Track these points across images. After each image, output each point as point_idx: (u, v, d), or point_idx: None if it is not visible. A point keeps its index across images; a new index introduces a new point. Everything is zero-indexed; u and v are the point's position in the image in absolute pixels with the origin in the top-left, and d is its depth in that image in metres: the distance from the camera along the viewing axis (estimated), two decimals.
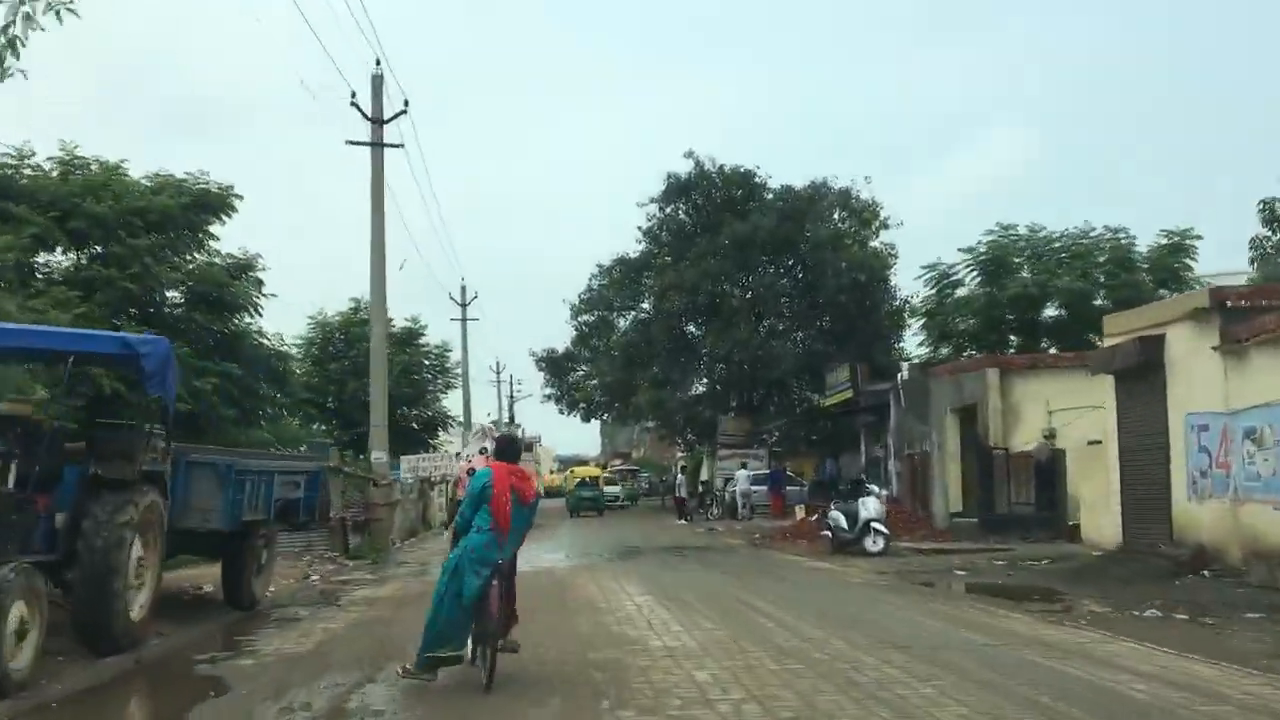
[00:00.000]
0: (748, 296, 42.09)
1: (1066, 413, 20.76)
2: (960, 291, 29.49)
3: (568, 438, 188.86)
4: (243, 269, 22.47)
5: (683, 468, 51.98)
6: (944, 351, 29.91)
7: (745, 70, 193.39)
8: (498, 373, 76.03)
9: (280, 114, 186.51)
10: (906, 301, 42.80)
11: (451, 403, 47.23)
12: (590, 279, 49.84)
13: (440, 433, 45.24)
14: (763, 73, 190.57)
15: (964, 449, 24.51)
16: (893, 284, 42.83)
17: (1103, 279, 28.10)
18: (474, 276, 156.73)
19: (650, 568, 18.18)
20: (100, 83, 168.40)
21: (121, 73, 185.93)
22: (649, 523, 37.19)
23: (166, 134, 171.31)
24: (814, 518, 23.85)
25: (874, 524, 18.34)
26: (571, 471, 57.98)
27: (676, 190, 45.25)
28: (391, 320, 43.12)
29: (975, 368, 23.59)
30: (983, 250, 28.45)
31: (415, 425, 44.10)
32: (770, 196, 43.76)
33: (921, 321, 29.94)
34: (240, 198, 21.89)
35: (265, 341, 23.13)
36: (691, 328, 45.53)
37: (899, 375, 29.66)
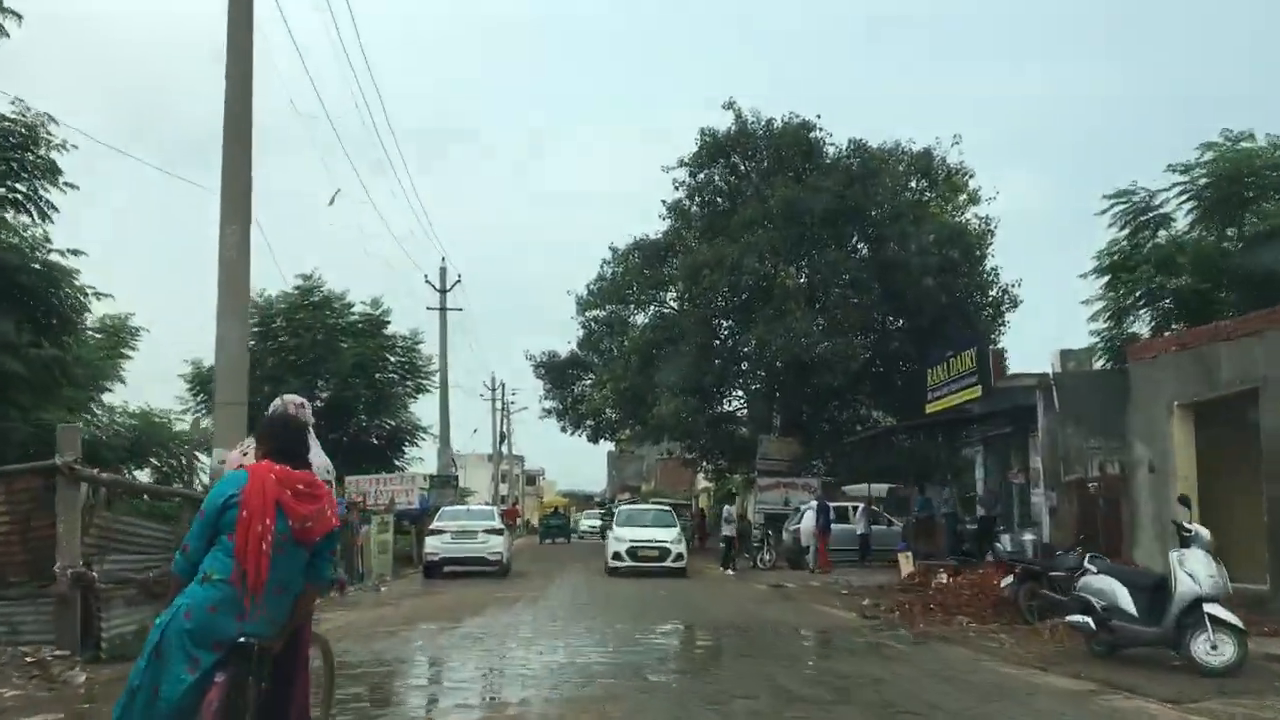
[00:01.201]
0: (802, 280, 32.61)
1: None
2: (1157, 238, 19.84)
3: (570, 465, 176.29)
4: None
5: (730, 494, 42.45)
6: (1136, 326, 20.25)
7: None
8: (492, 387, 65.53)
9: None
10: (1007, 290, 33.47)
11: (424, 411, 37.85)
12: (602, 266, 40.60)
13: (408, 448, 35.86)
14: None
15: (1215, 465, 14.96)
16: (990, 266, 33.47)
17: None
18: (459, 264, 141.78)
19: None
20: None
21: None
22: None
23: None
24: (1003, 580, 13.71)
25: (1209, 607, 8.66)
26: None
27: (712, 151, 35.93)
28: (347, 300, 34.15)
29: (1252, 328, 14.06)
30: (1202, 172, 18.76)
31: (376, 439, 34.68)
32: (833, 153, 34.50)
33: (1104, 281, 20.25)
34: None
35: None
36: (729, 322, 36.00)
37: (1050, 367, 20.18)
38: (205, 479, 21.81)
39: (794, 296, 31.73)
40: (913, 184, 35.19)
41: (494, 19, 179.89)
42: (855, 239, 34.00)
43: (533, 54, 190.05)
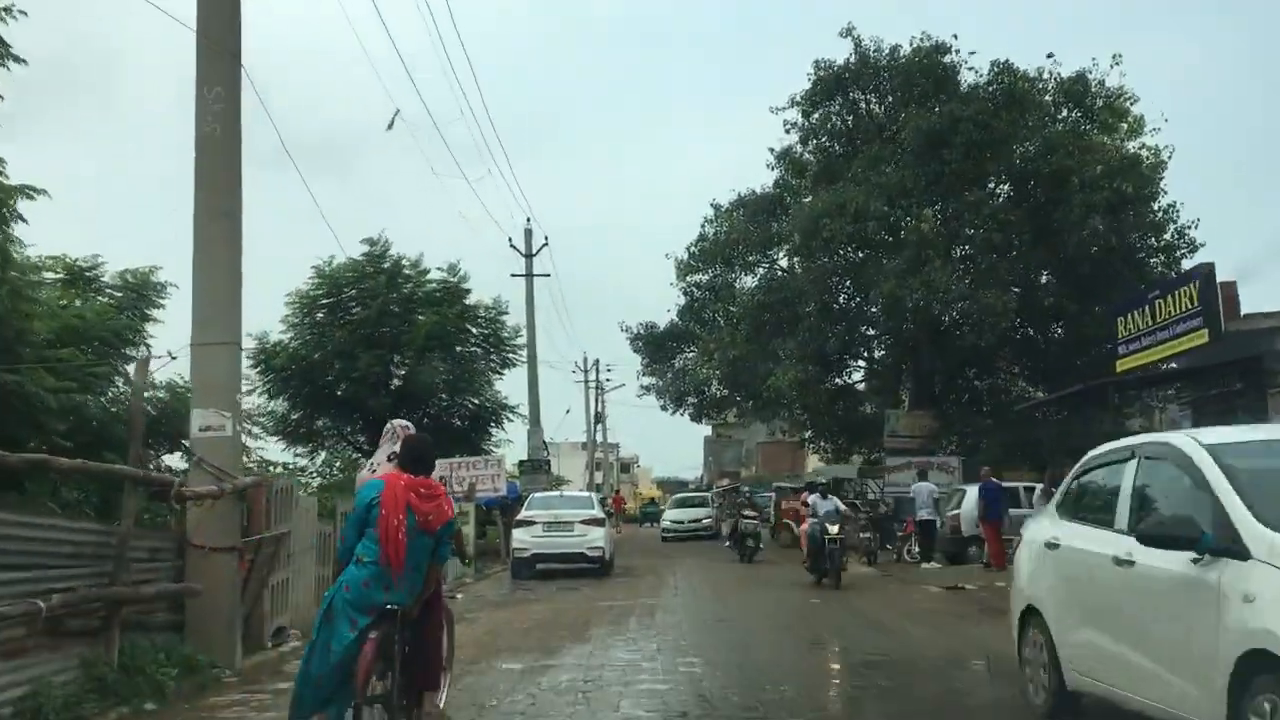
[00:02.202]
0: (939, 224, 27.98)
1: None
2: None
3: (665, 451, 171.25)
4: None
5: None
6: None
7: None
8: (584, 367, 61.65)
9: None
10: (1184, 232, 28.44)
11: (512, 388, 34.21)
12: (703, 225, 36.49)
13: (495, 430, 32.23)
14: None
15: None
16: (1164, 204, 28.44)
17: None
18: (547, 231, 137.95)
19: None
20: None
21: None
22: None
23: None
24: None
25: None
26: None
27: (829, 87, 31.45)
28: (422, 268, 30.66)
29: None
30: None
31: (459, 421, 31.16)
32: (972, 79, 29.81)
33: None
34: None
35: None
36: (851, 282, 31.57)
37: None
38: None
39: (931, 244, 27.16)
40: (1063, 114, 30.25)
41: None
42: (1002, 176, 29.26)
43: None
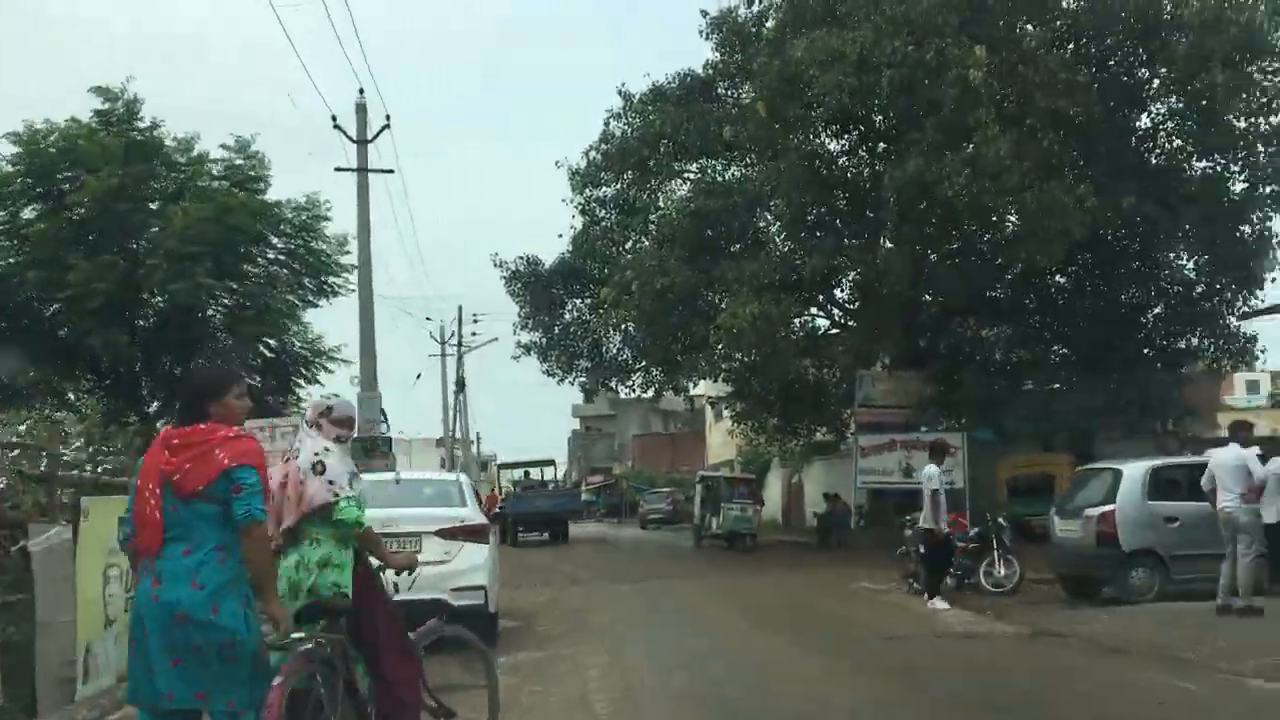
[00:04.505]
0: (992, 73, 18.41)
1: None
2: None
3: (533, 448, 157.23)
4: None
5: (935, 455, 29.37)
6: None
7: None
8: (442, 324, 48.42)
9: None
10: None
11: (333, 324, 23.44)
12: (608, 122, 26.53)
13: (304, 383, 21.52)
14: None
15: None
16: None
17: None
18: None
19: None
20: None
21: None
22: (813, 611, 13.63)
23: None
24: None
25: None
26: None
27: None
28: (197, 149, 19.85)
29: None
30: None
31: (252, 368, 20.31)
32: None
33: None
34: None
35: None
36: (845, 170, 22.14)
37: None
38: None
39: (981, 101, 17.78)
40: None
41: None
42: (1067, 4, 20.31)
43: None
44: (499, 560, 11.08)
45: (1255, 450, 10.63)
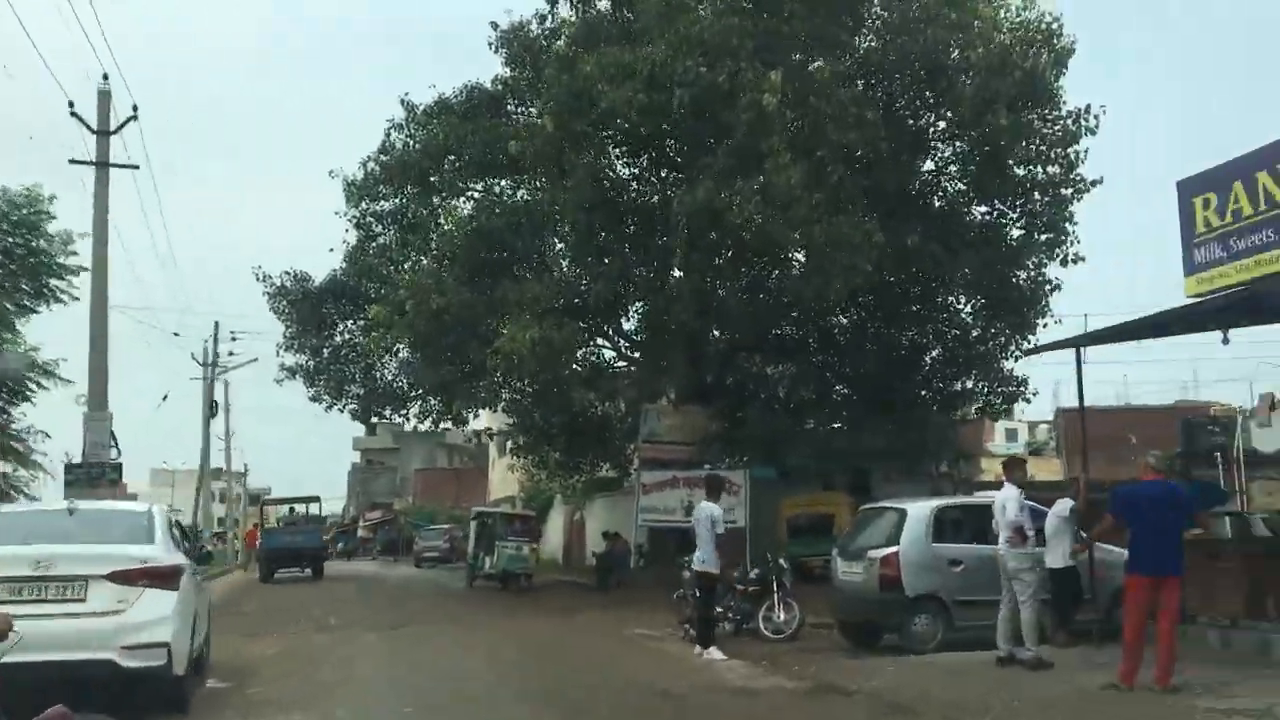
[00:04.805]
0: (785, 100, 17.93)
1: None
2: None
3: (310, 483, 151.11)
4: None
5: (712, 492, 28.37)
6: None
7: None
8: (205, 358, 44.74)
9: None
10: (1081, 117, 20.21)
11: (53, 336, 20.57)
12: (389, 133, 24.79)
13: (17, 404, 18.67)
14: None
15: None
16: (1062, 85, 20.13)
17: None
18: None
19: None
20: None
21: None
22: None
23: None
24: None
25: None
26: None
27: None
28: None
29: None
30: None
31: None
32: None
33: None
34: None
35: None
36: (632, 195, 21.22)
37: None
38: None
39: (774, 128, 17.24)
40: None
41: None
42: (859, 43, 20.17)
43: None
44: (203, 609, 9.25)
45: (1017, 492, 10.07)
